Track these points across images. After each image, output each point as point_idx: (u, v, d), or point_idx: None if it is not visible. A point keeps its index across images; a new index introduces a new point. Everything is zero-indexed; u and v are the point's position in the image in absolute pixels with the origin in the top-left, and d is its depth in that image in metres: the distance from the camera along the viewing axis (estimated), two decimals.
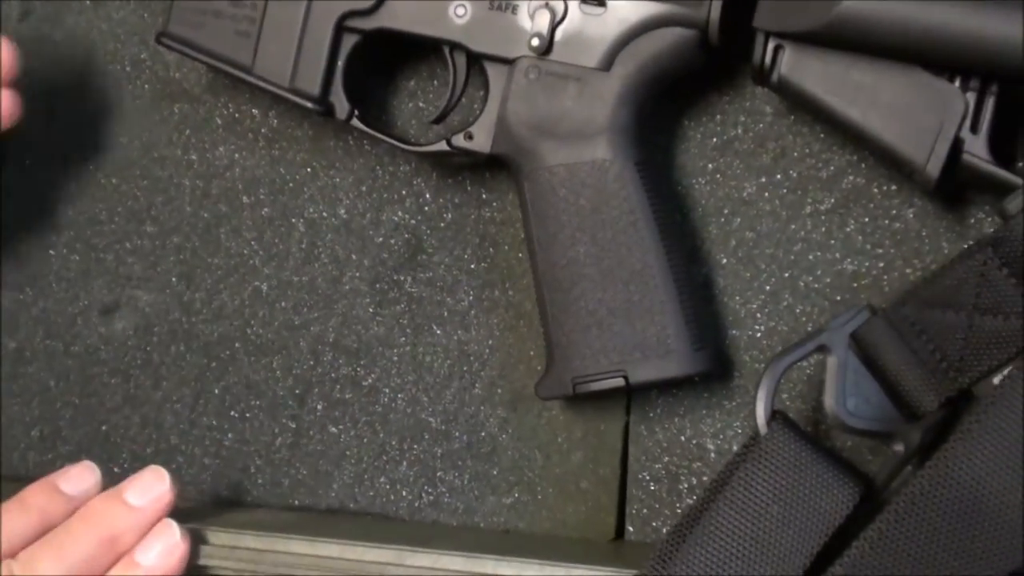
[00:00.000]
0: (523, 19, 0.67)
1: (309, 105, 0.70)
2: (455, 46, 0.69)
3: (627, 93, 0.67)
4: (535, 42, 0.67)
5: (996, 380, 0.63)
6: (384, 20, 0.69)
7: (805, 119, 0.69)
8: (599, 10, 0.67)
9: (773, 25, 0.64)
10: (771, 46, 0.65)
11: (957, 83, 0.63)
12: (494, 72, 0.68)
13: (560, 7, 0.67)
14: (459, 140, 0.69)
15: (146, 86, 0.78)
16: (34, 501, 0.67)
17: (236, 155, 0.76)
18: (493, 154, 0.69)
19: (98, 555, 0.66)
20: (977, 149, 0.63)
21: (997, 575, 0.58)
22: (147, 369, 0.77)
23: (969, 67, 0.63)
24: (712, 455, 0.69)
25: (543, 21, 0.67)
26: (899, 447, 0.64)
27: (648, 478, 0.70)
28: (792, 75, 0.65)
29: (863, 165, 0.69)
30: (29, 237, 0.78)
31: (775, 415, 0.63)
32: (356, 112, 0.70)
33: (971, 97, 0.63)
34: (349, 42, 0.70)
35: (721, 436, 0.69)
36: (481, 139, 0.69)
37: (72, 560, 0.65)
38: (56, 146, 0.78)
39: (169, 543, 0.66)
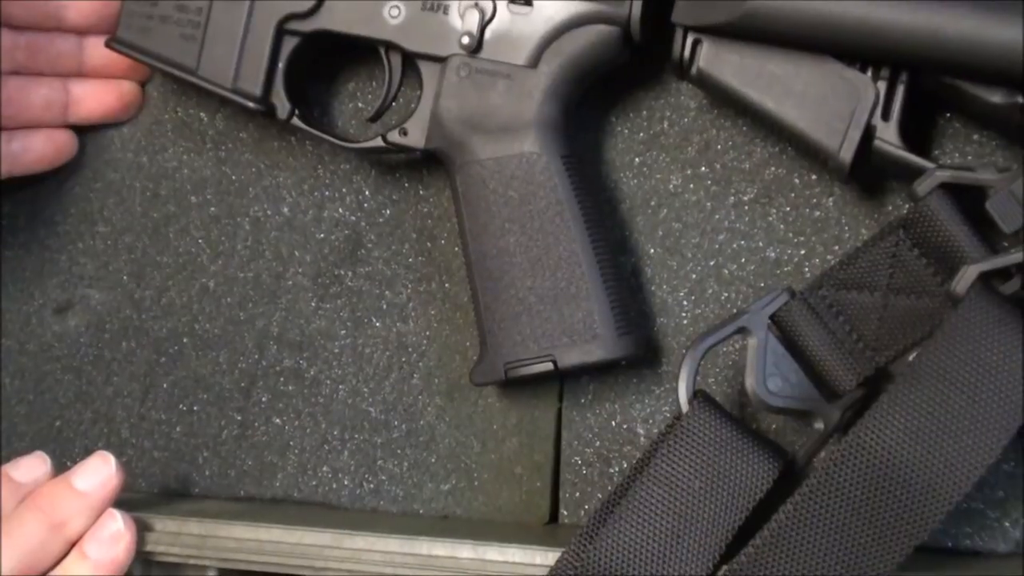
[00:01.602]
0: (454, 19, 0.70)
1: (251, 105, 0.72)
2: (390, 46, 0.71)
3: (553, 89, 0.69)
4: (465, 40, 0.69)
5: (911, 358, 0.65)
6: (322, 22, 0.71)
7: (728, 114, 0.72)
8: (526, 9, 0.69)
9: (690, 20, 0.66)
10: (690, 40, 0.67)
11: (868, 73, 0.65)
12: (427, 70, 0.71)
13: (489, 7, 0.69)
14: (394, 136, 0.71)
15: None
16: None
17: (184, 156, 0.78)
18: (427, 149, 0.71)
19: (47, 541, 0.67)
20: (888, 136, 0.65)
21: (908, 542, 0.59)
22: (99, 365, 0.79)
23: (879, 57, 0.65)
24: (642, 439, 0.71)
25: (473, 20, 0.69)
26: (819, 425, 0.66)
27: (580, 462, 0.72)
28: (710, 68, 0.67)
29: (784, 156, 0.71)
30: None
31: (697, 394, 0.65)
32: (296, 112, 0.73)
33: (882, 86, 0.65)
34: (289, 44, 0.72)
35: (650, 420, 0.71)
36: (415, 135, 0.71)
37: (22, 546, 0.66)
38: None
39: (115, 532, 0.68)
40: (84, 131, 0.79)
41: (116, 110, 0.78)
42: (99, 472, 0.69)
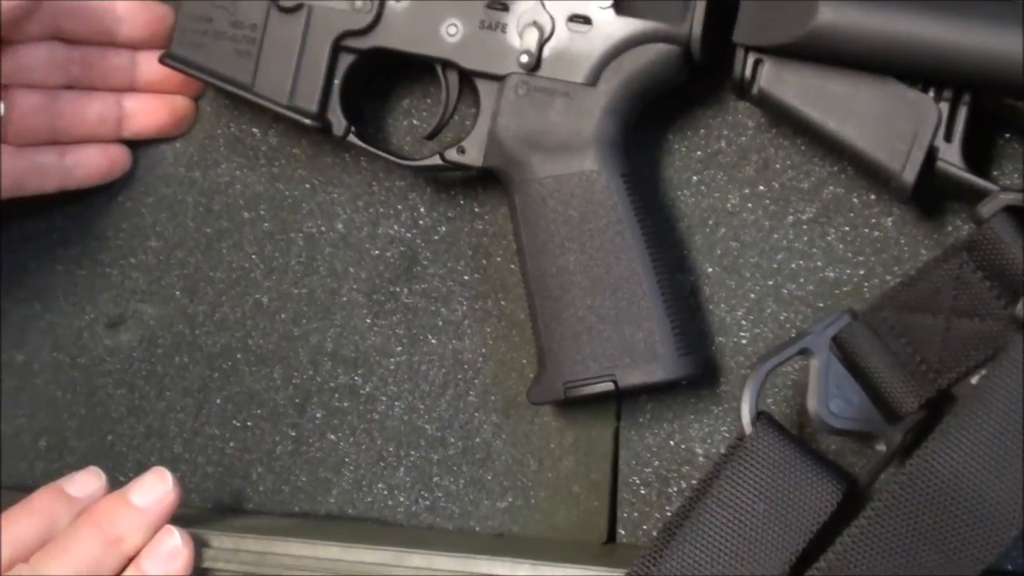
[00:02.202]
0: (512, 37, 0.70)
1: (307, 122, 0.72)
2: (447, 64, 0.71)
3: (613, 107, 0.69)
4: (524, 59, 0.69)
5: (974, 380, 0.65)
6: (379, 39, 0.71)
7: (786, 132, 0.72)
8: (585, 28, 0.69)
9: (752, 40, 0.66)
10: (751, 60, 0.67)
11: (931, 93, 0.65)
12: (485, 88, 0.71)
13: (548, 25, 0.69)
14: (452, 154, 0.71)
15: None
16: (40, 504, 0.68)
17: (237, 172, 0.78)
18: (485, 167, 0.71)
19: (104, 557, 0.67)
20: (951, 157, 0.65)
21: (973, 567, 0.59)
22: (151, 380, 0.79)
23: (942, 77, 0.65)
24: (700, 459, 0.71)
25: (532, 39, 0.69)
26: (881, 447, 0.66)
27: (638, 482, 0.72)
28: (771, 88, 0.67)
29: (843, 176, 0.71)
30: (37, 253, 0.81)
31: (760, 416, 0.65)
32: (352, 129, 0.73)
33: (944, 107, 0.65)
34: (346, 61, 0.72)
35: (709, 440, 0.71)
36: (473, 153, 0.71)
37: (79, 562, 0.66)
38: None
39: (173, 548, 0.68)
40: (137, 146, 0.79)
41: (169, 125, 0.79)
42: (156, 488, 0.69)
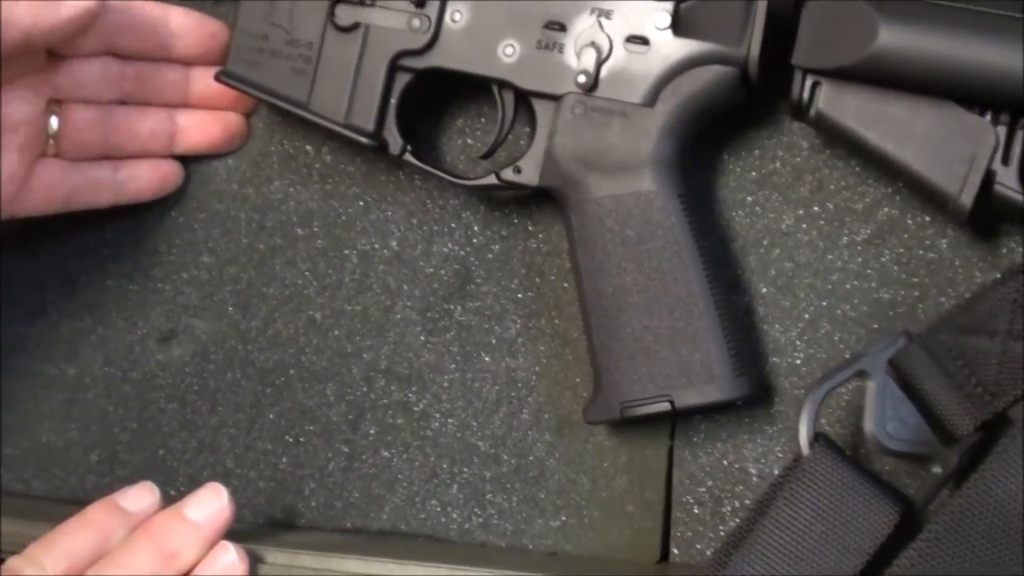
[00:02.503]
0: (569, 57, 0.70)
1: (364, 140, 0.72)
2: (503, 84, 0.72)
3: (670, 127, 0.69)
4: (581, 79, 0.70)
5: None
6: (436, 59, 0.72)
7: (840, 153, 0.72)
8: (643, 48, 0.69)
9: (811, 62, 0.67)
10: (808, 82, 0.67)
11: (988, 117, 0.66)
12: (541, 108, 0.71)
13: (605, 45, 0.70)
14: (508, 174, 0.72)
15: None
16: (94, 518, 0.68)
17: (291, 189, 0.78)
18: (540, 187, 0.71)
19: (159, 571, 0.67)
20: (1008, 180, 0.66)
21: None
22: (204, 395, 0.79)
23: (1000, 101, 0.65)
24: (754, 479, 0.72)
25: (589, 59, 0.70)
26: (936, 469, 0.66)
27: (692, 501, 0.72)
28: (829, 110, 0.67)
29: (897, 197, 0.71)
30: (88, 266, 0.81)
31: (817, 437, 0.65)
32: (408, 147, 0.73)
33: (1002, 130, 0.66)
34: (402, 80, 0.73)
35: (763, 460, 0.72)
36: (529, 172, 0.71)
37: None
38: None
39: (228, 563, 0.68)
40: (189, 161, 0.80)
41: (221, 141, 0.79)
42: (211, 503, 0.69)
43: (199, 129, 0.79)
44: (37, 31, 0.68)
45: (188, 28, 0.77)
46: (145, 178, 0.78)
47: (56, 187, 0.75)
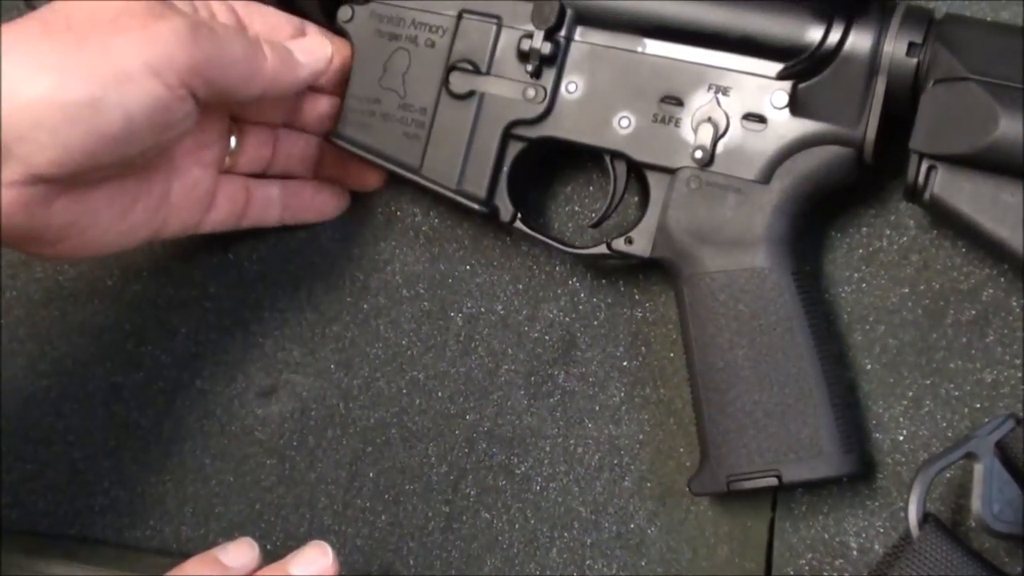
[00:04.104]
0: (686, 132, 0.71)
1: (476, 207, 0.73)
2: (617, 155, 0.73)
3: (784, 205, 0.70)
4: (698, 154, 0.71)
5: None
6: (550, 129, 0.73)
7: (947, 233, 0.73)
8: (760, 126, 0.70)
9: (930, 148, 0.67)
10: (924, 167, 0.68)
11: None
12: (655, 180, 0.72)
13: (723, 122, 0.71)
14: (620, 244, 0.73)
15: None
16: (194, 572, 0.68)
17: (396, 251, 0.79)
18: (652, 258, 0.72)
19: None
20: None
21: None
22: (303, 451, 0.80)
23: None
24: (854, 553, 0.72)
25: (706, 135, 0.71)
26: None
27: (792, 573, 0.73)
28: (944, 195, 0.68)
29: (1002, 279, 0.72)
30: (188, 320, 0.82)
31: (927, 518, 0.66)
32: (519, 215, 0.74)
33: None
34: (515, 148, 0.74)
35: (863, 535, 0.72)
36: (641, 244, 0.72)
37: None
38: (213, 235, 0.82)
39: None
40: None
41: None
42: (317, 561, 0.70)
43: (312, 202, 0.80)
44: (273, 88, 0.70)
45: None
46: (307, 198, 0.79)
47: (236, 201, 0.77)
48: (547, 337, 0.77)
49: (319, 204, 0.80)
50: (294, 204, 0.79)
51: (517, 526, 0.76)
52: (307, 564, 0.70)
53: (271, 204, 0.78)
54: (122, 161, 0.66)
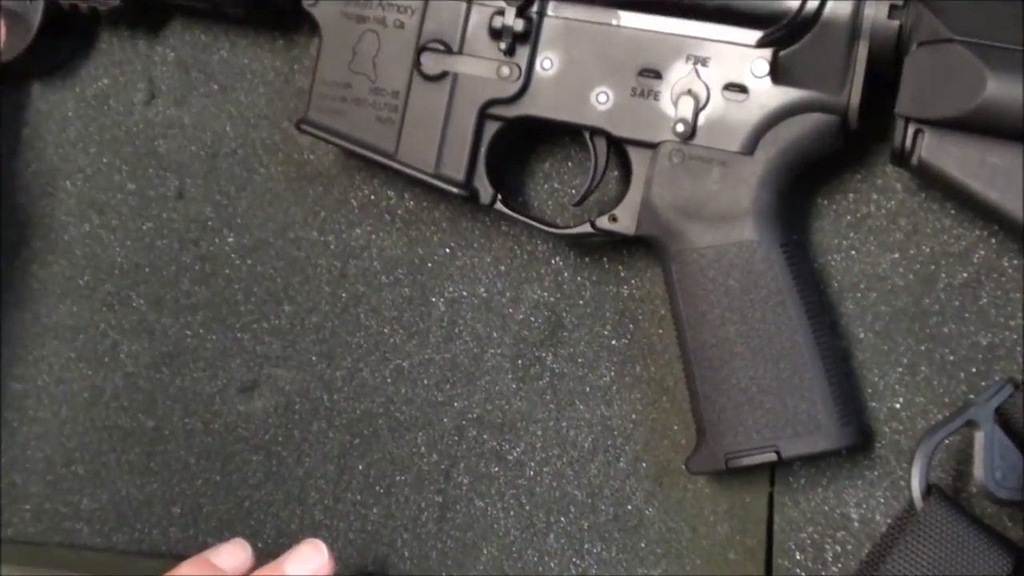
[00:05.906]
0: (666, 105, 0.69)
1: (454, 190, 0.72)
2: (596, 131, 0.71)
3: (770, 176, 0.69)
4: (679, 128, 0.69)
5: None
6: (527, 108, 0.71)
7: (935, 196, 0.72)
8: (741, 96, 0.69)
9: (916, 112, 0.66)
10: (911, 131, 0.67)
11: None
12: (637, 156, 0.70)
13: (703, 93, 0.69)
14: (604, 223, 0.71)
15: (279, 168, 0.79)
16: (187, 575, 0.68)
17: (373, 236, 0.78)
18: (638, 236, 0.70)
19: None
20: None
21: None
22: (289, 446, 0.78)
23: None
24: (855, 524, 0.71)
25: (687, 107, 0.69)
26: None
27: (794, 547, 0.72)
28: (932, 158, 0.67)
29: (993, 240, 0.71)
30: (164, 317, 0.80)
31: (931, 489, 0.65)
32: (499, 196, 0.72)
33: None
34: (491, 129, 0.72)
35: (864, 505, 0.71)
36: (626, 221, 0.71)
37: None
38: (187, 228, 0.80)
39: None
40: (267, 208, 0.79)
41: None
42: (312, 559, 0.69)
43: None
44: None
45: None
46: None
47: None
48: (532, 319, 0.76)
49: None
50: None
51: (512, 513, 0.75)
52: (302, 562, 0.69)
53: None
54: None
